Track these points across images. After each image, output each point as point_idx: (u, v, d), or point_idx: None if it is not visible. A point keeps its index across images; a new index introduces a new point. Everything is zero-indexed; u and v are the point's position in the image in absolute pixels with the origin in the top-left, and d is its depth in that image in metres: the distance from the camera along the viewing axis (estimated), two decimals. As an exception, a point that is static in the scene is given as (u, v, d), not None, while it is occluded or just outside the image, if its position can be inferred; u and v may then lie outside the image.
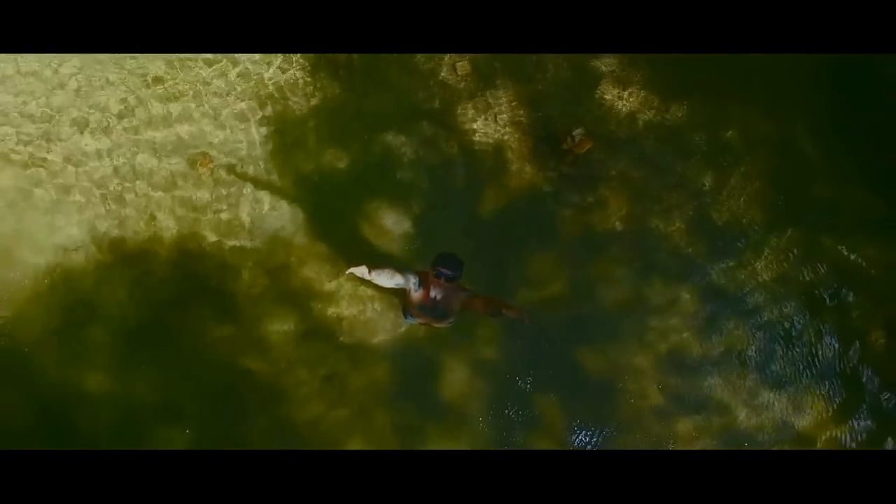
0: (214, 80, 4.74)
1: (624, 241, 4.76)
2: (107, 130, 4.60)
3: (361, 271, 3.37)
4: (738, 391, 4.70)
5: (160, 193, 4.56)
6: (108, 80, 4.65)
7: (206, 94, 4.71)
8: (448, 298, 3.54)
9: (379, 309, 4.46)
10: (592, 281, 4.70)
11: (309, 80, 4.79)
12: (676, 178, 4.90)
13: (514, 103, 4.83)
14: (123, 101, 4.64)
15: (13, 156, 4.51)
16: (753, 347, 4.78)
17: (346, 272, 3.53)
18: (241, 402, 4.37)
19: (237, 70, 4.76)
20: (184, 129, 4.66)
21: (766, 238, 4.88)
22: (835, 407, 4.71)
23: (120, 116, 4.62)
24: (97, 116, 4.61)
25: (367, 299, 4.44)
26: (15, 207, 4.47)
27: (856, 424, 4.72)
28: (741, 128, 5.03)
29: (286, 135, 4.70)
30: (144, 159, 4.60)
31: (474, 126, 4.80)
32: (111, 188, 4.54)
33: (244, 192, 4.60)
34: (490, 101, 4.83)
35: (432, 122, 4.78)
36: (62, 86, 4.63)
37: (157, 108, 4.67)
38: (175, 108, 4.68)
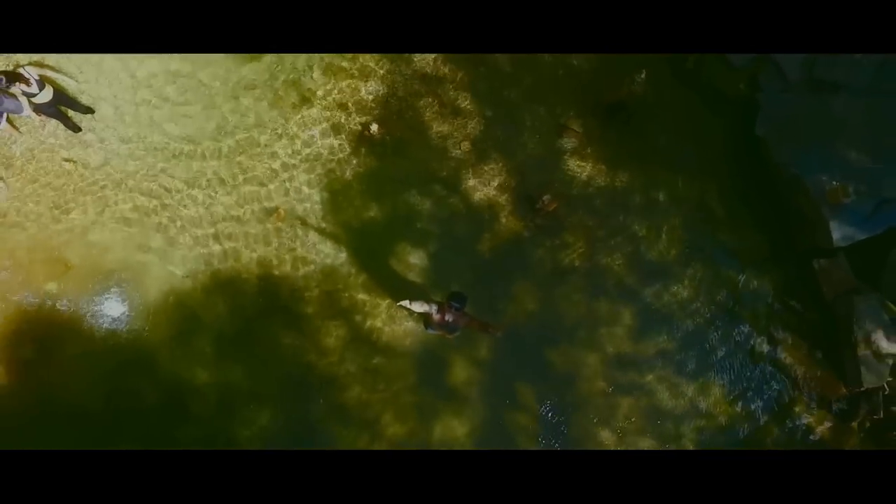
0: (283, 153, 6.50)
1: (580, 272, 6.58)
2: (209, 186, 6.35)
3: (405, 303, 5.22)
4: (664, 381, 6.52)
5: (247, 234, 6.31)
6: (220, 151, 6.40)
7: (280, 165, 6.47)
8: (456, 320, 5.33)
9: (407, 323, 6.24)
10: (557, 300, 6.51)
11: (352, 154, 6.57)
12: (620, 226, 6.74)
13: (503, 172, 6.65)
14: (227, 167, 6.40)
15: (144, 207, 6.25)
16: (675, 349, 6.62)
17: (397, 304, 5.41)
18: (307, 386, 6.12)
19: (300, 144, 6.53)
20: (264, 189, 6.42)
21: (685, 270, 6.73)
22: (735, 393, 6.56)
23: (222, 182, 6.38)
24: (203, 179, 6.37)
25: (399, 317, 6.22)
26: (141, 247, 6.20)
27: (751, 406, 6.56)
28: (668, 189, 6.88)
29: (338, 194, 6.47)
30: (235, 210, 6.34)
31: (474, 189, 6.61)
32: (213, 230, 6.28)
33: (308, 235, 6.36)
34: (485, 170, 6.66)
35: (443, 185, 6.58)
36: (178, 155, 6.37)
37: (242, 173, 6.42)
38: (257, 171, 6.44)
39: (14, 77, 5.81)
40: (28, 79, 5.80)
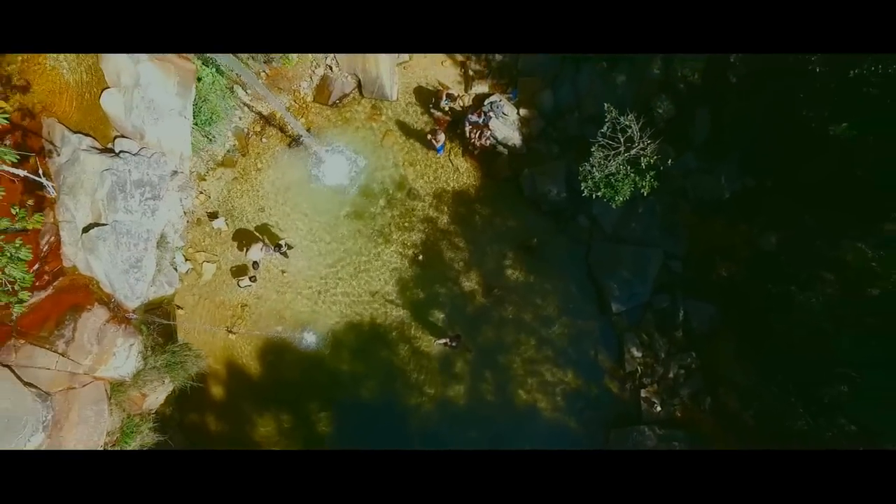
0: (379, 269, 14.44)
1: (513, 321, 14.60)
2: (344, 280, 14.26)
3: (439, 342, 13.27)
4: (550, 372, 14.52)
5: (362, 303, 14.19)
6: (352, 267, 14.39)
7: (382, 276, 14.44)
8: (456, 343, 13.32)
9: (434, 347, 14.18)
10: (502, 335, 14.50)
11: (407, 268, 14.55)
12: (531, 301, 14.79)
13: (477, 276, 14.74)
14: (355, 274, 14.33)
15: (303, 291, 14.11)
16: (562, 365, 14.64)
17: (435, 342, 13.46)
18: (393, 376, 13.94)
19: (389, 265, 14.47)
20: (373, 283, 14.33)
21: (557, 325, 14.80)
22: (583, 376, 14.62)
23: (352, 276, 14.34)
24: (342, 275, 14.30)
25: (432, 344, 14.17)
26: (315, 310, 14.06)
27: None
28: (559, 290, 15.03)
29: (405, 285, 14.41)
30: (358, 291, 14.25)
31: (464, 283, 14.66)
32: (350, 300, 14.16)
33: (389, 305, 14.26)
34: (468, 274, 14.76)
35: (451, 281, 14.62)
36: (334, 266, 14.30)
37: (365, 273, 14.34)
38: (372, 275, 14.36)
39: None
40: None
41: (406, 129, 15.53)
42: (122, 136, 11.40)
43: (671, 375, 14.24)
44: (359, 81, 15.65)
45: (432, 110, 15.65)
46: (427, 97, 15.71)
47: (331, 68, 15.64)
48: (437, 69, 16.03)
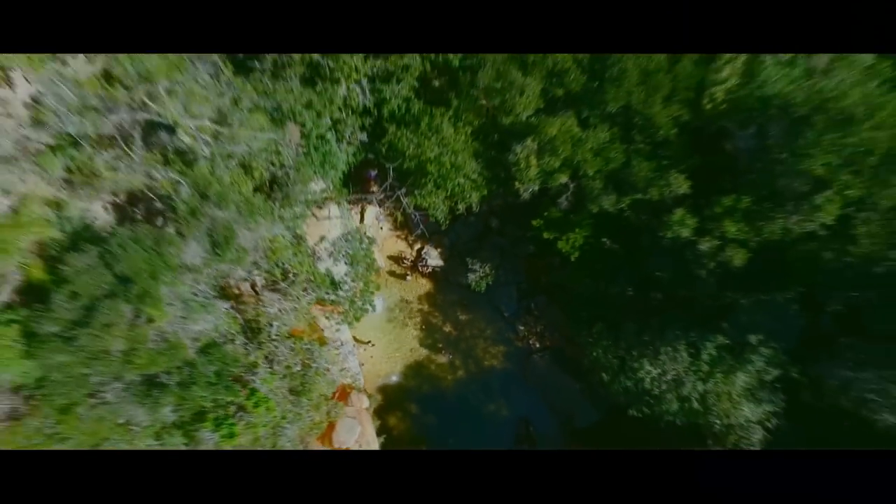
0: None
1: (468, 328, 34.72)
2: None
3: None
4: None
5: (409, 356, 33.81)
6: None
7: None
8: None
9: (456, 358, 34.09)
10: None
11: (414, 328, 34.34)
12: (476, 324, 34.97)
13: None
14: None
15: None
16: (494, 342, 34.87)
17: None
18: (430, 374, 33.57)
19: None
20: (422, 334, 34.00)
21: (488, 328, 35.11)
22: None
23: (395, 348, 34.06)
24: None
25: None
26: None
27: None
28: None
29: (428, 331, 34.17)
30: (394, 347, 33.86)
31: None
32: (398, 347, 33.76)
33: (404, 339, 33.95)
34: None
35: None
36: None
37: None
38: (408, 328, 34.02)
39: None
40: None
41: (395, 275, 35.47)
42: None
43: (536, 331, 34.94)
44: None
45: (403, 263, 35.77)
46: (399, 258, 35.82)
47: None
48: (401, 245, 36.14)
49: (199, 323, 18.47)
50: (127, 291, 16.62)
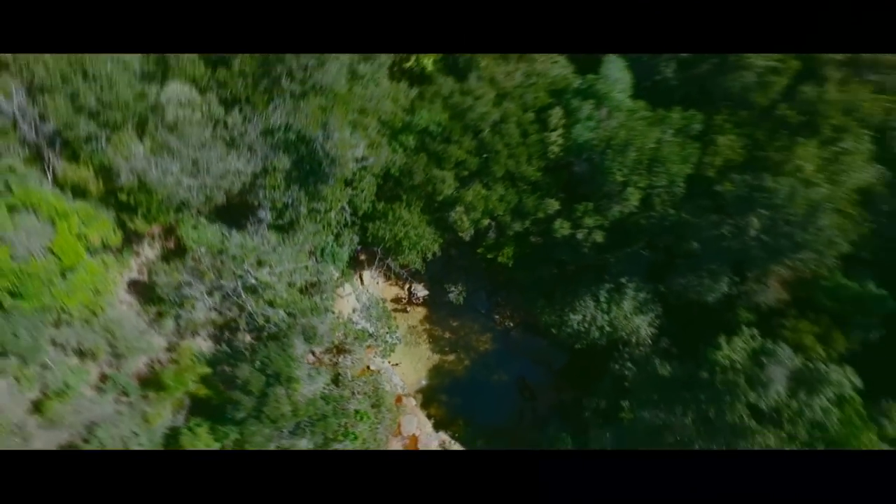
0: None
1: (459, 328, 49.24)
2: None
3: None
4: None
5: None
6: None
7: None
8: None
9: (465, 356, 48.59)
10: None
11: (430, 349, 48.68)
12: (465, 323, 49.42)
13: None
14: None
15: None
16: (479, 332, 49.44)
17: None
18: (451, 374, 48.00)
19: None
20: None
21: (476, 324, 49.66)
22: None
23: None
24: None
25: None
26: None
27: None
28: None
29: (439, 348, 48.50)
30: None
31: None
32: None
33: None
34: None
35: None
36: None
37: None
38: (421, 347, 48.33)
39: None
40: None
41: (398, 311, 49.59)
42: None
43: (507, 315, 49.63)
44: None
45: (401, 301, 49.91)
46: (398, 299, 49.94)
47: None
48: (395, 289, 50.22)
49: (315, 384, 32.46)
50: (279, 379, 30.50)
